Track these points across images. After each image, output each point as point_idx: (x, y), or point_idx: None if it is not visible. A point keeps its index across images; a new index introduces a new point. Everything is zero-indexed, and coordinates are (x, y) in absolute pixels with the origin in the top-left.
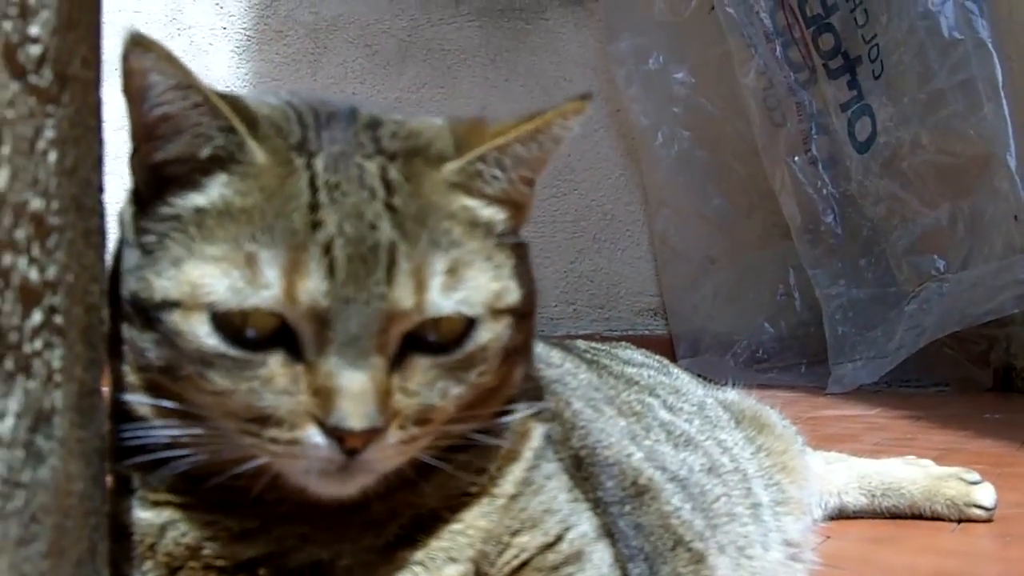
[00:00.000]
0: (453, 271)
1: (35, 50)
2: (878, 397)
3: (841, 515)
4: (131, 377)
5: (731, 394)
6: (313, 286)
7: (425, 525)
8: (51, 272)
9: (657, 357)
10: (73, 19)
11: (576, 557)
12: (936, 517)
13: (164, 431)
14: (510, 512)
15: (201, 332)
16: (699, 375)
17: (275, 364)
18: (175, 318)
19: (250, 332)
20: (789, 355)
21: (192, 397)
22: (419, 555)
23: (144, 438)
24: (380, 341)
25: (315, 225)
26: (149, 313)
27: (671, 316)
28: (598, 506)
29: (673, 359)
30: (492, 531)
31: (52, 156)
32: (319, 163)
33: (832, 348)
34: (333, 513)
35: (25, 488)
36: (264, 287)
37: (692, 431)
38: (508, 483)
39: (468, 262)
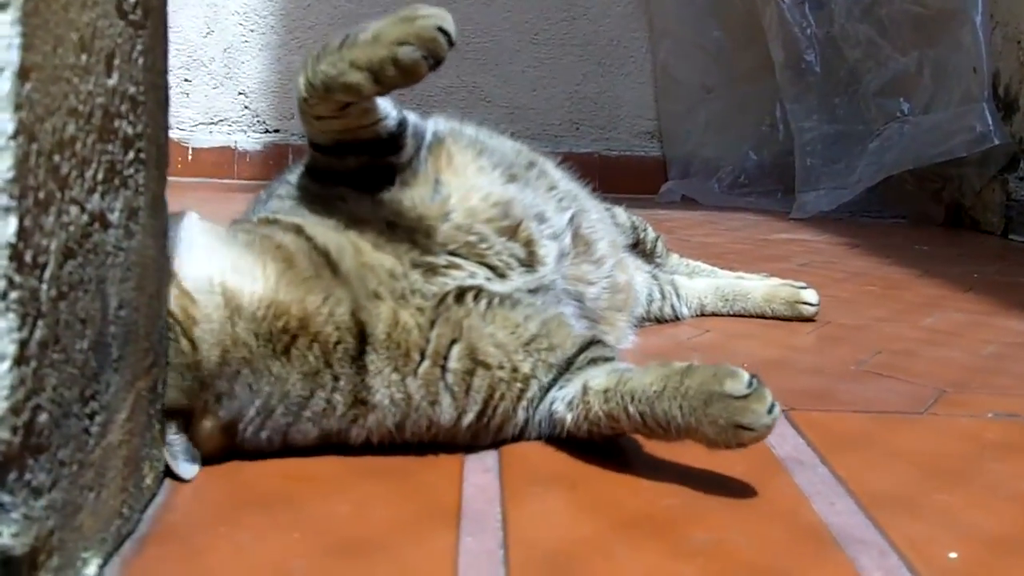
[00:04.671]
0: None
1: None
2: (835, 225)
3: (702, 314)
4: None
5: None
6: None
7: None
8: (139, 128)
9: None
10: None
11: None
12: (776, 316)
13: None
14: None
15: None
16: (685, 195)
17: None
18: None
19: None
20: (768, 182)
21: None
22: None
23: None
24: None
25: None
26: None
27: (666, 140)
28: None
29: (665, 179)
30: None
31: (140, 60)
32: None
33: (799, 177)
34: None
35: (124, 251)
36: None
37: None
38: None
39: None
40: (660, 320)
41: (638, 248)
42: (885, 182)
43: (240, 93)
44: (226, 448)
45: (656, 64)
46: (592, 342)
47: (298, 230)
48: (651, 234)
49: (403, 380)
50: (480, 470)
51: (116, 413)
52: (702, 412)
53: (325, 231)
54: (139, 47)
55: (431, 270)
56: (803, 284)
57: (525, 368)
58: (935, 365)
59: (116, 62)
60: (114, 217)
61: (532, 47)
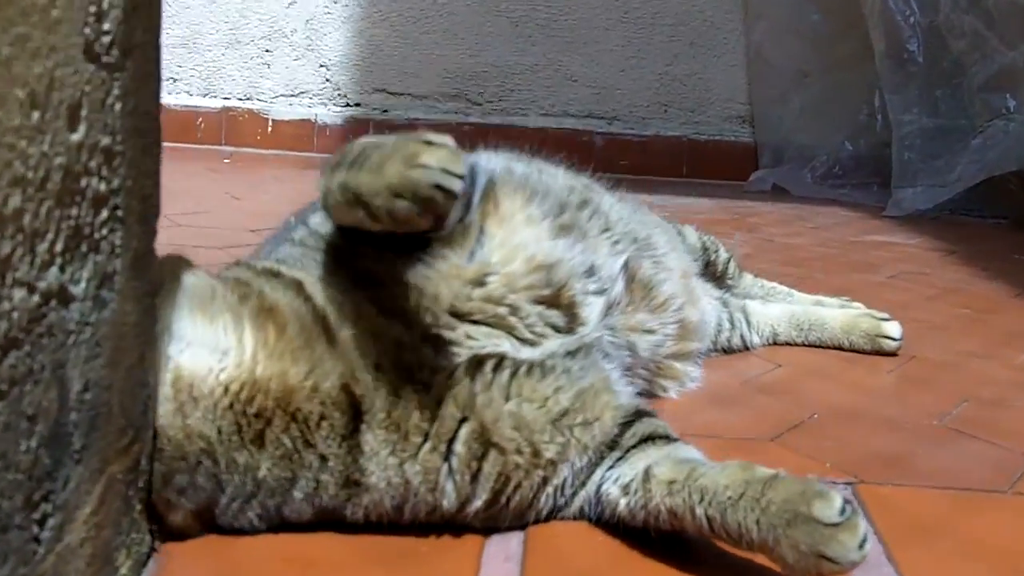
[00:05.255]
0: None
1: (107, 39)
2: (931, 225)
3: (775, 343)
4: None
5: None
6: None
7: None
8: (115, 183)
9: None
10: (137, 3)
11: None
12: (854, 349)
13: None
14: None
15: None
16: (776, 184)
17: None
18: None
19: None
20: (863, 174)
21: None
22: None
23: None
24: None
25: None
26: None
27: (758, 125)
28: None
29: (755, 166)
30: None
31: (118, 106)
32: None
33: (896, 172)
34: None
35: (92, 325)
36: None
37: None
38: None
39: None
40: (728, 351)
41: (708, 270)
42: (987, 180)
43: (321, 65)
44: (208, 528)
45: (750, 46)
46: (639, 414)
47: (299, 288)
48: (723, 255)
49: (400, 465)
50: (501, 557)
51: (78, 510)
52: (783, 531)
53: (329, 289)
54: (116, 91)
55: (444, 340)
56: (886, 316)
57: (550, 452)
58: None
59: (83, 113)
60: (78, 289)
61: (622, 25)
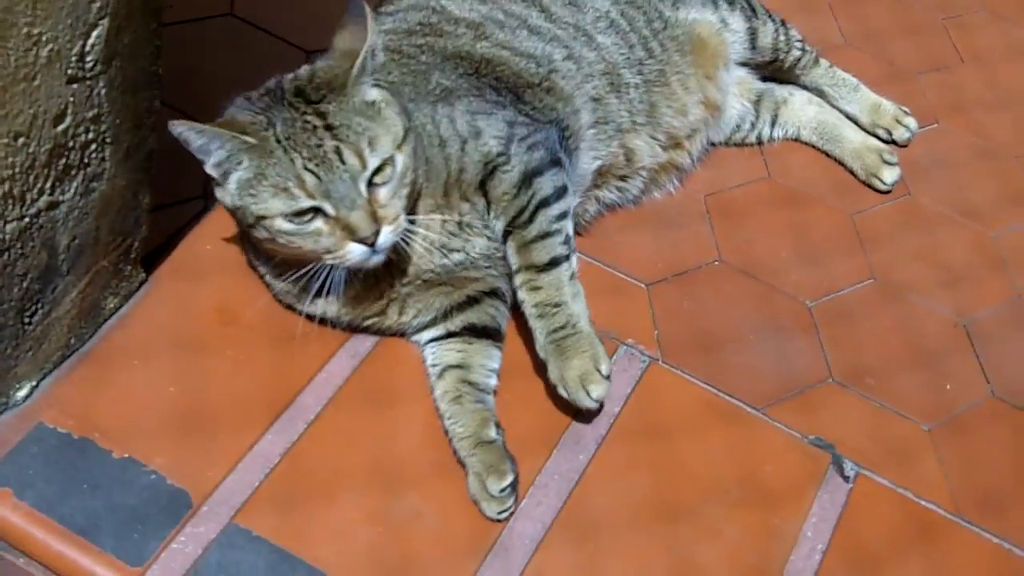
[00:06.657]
0: (371, 142)
1: (90, 63)
2: None
3: (796, 140)
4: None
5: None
6: (312, 186)
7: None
8: (103, 126)
9: None
10: (120, 24)
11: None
12: (853, 173)
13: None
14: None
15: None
16: None
17: (319, 224)
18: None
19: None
20: None
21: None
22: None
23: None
24: (357, 192)
25: (292, 160)
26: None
27: None
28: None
29: None
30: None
31: (104, 91)
32: (278, 129)
33: None
34: (382, 275)
35: (79, 208)
36: (296, 198)
37: (561, 35)
38: None
39: (375, 134)
40: (740, 145)
41: (772, 66)
42: None
43: None
44: None
45: None
46: (481, 298)
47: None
48: (793, 55)
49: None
50: (349, 354)
51: (67, 295)
52: (472, 476)
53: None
54: (101, 85)
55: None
56: (894, 159)
57: (406, 316)
58: (873, 335)
59: (68, 111)
60: (67, 195)
61: None
